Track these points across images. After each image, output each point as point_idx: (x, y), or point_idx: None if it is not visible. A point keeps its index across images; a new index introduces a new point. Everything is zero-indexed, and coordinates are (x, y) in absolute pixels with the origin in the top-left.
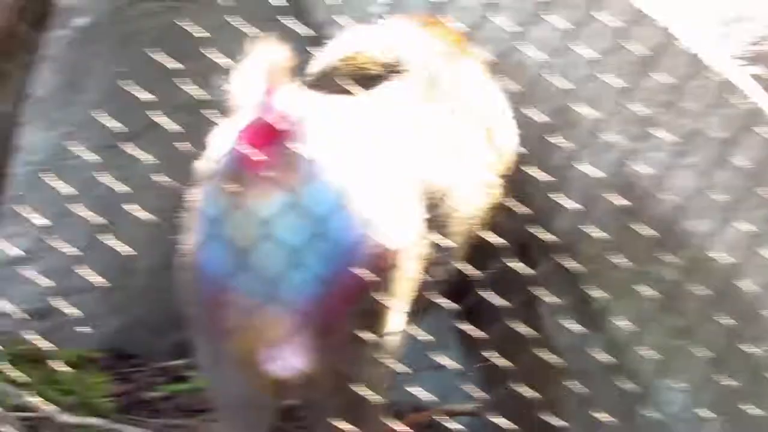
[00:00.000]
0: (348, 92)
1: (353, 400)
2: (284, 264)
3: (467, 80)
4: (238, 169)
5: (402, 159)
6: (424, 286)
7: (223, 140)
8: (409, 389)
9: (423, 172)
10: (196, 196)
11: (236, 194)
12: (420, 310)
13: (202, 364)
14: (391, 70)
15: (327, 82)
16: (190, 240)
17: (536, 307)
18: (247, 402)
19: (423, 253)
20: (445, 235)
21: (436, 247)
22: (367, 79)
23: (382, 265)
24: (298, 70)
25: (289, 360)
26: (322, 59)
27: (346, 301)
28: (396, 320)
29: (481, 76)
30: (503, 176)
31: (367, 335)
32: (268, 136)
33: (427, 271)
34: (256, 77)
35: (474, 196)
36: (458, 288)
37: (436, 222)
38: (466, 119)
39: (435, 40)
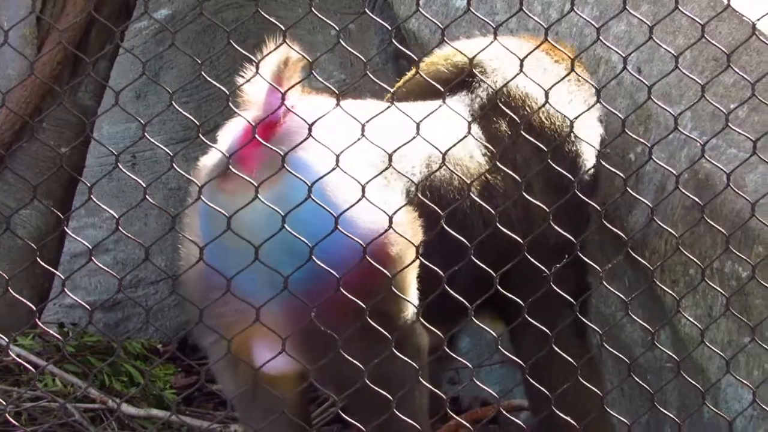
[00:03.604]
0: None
1: (376, 399)
2: (269, 262)
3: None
4: (231, 166)
5: (408, 163)
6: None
7: (226, 137)
8: (472, 384)
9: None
10: (196, 192)
11: (227, 191)
12: (466, 307)
13: (210, 359)
14: (462, 78)
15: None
16: (191, 236)
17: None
18: (249, 398)
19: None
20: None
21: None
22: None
23: (372, 263)
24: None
25: (274, 357)
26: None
27: (335, 298)
28: (407, 316)
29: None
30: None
31: (372, 332)
32: (261, 134)
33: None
34: (264, 76)
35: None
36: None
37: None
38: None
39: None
